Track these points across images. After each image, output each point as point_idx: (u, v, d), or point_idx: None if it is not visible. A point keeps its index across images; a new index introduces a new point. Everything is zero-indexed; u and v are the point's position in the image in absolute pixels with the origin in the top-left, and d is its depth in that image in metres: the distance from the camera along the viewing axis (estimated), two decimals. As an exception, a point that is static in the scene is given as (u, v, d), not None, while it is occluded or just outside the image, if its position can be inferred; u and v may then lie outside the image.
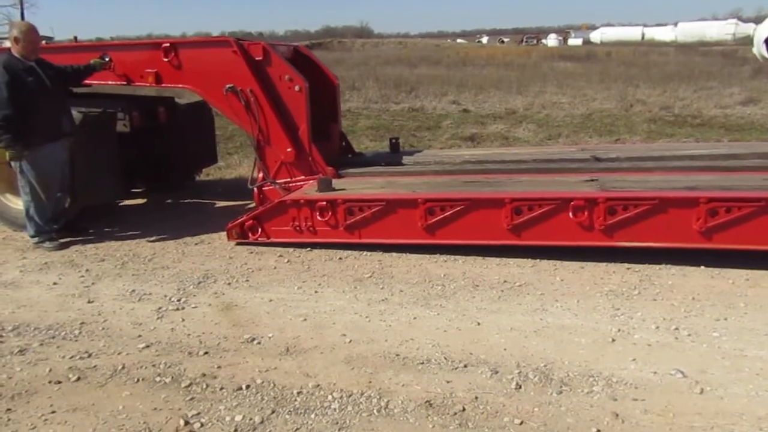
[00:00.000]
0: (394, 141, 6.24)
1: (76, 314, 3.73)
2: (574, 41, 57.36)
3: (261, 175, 5.29)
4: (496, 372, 2.93)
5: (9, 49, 4.85)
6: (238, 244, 4.92)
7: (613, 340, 3.20)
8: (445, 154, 6.15)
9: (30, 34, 4.83)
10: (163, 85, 5.41)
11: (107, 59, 5.34)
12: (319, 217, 4.67)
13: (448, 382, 2.86)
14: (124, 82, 5.48)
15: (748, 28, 42.21)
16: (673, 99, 13.51)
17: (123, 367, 3.07)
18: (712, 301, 3.61)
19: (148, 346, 3.30)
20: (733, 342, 3.13)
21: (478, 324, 3.44)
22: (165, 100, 6.50)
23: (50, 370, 3.06)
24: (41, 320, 3.66)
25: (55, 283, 4.26)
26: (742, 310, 3.49)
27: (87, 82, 5.56)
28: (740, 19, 51.82)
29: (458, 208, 4.39)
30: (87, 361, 3.16)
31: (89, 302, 3.91)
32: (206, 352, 3.22)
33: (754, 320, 3.35)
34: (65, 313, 3.75)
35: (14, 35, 4.78)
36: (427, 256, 4.50)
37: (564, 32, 71.29)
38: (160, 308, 3.78)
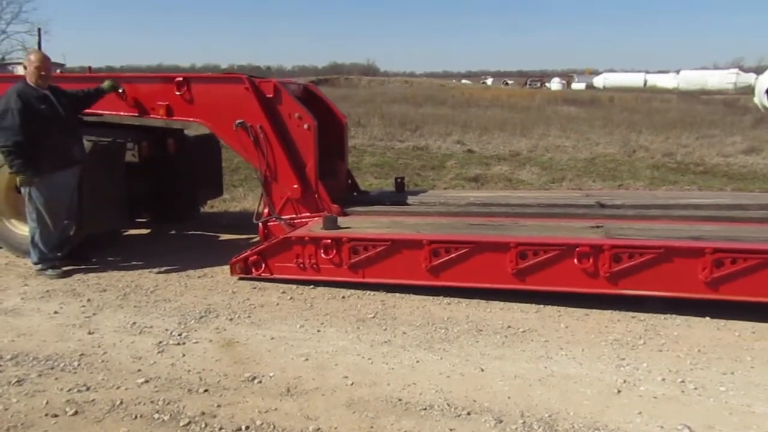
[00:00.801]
0: (399, 180, 6.28)
1: (75, 345, 3.70)
2: (578, 85, 58.24)
3: (266, 210, 5.31)
4: (500, 421, 2.88)
5: (24, 77, 4.93)
6: (240, 278, 4.90)
7: (619, 392, 3.16)
8: (450, 196, 6.18)
9: (43, 62, 4.92)
10: (174, 118, 5.48)
11: (120, 90, 5.42)
12: (323, 255, 4.66)
13: (451, 429, 2.82)
14: (136, 114, 5.55)
15: (749, 78, 42.85)
16: (675, 146, 13.64)
17: (121, 403, 3.03)
18: (718, 353, 3.57)
19: (147, 381, 3.26)
20: (740, 397, 3.08)
21: (482, 370, 3.40)
22: (174, 131, 6.56)
23: (47, 403, 3.02)
24: (40, 350, 3.62)
25: (56, 312, 4.23)
26: (749, 363, 3.45)
27: (99, 112, 5.64)
28: (741, 68, 52.61)
29: (463, 251, 4.39)
30: (85, 394, 3.12)
31: (90, 333, 3.88)
32: (206, 390, 3.18)
33: (761, 375, 3.31)
34: (65, 344, 3.72)
35: (29, 64, 4.87)
36: (431, 297, 4.48)
37: (567, 76, 72.29)
38: (160, 342, 3.74)
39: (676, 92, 44.27)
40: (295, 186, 5.16)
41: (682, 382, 3.24)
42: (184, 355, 3.58)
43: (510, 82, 71.95)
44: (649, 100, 32.00)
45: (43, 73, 4.88)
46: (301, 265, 4.73)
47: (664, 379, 3.27)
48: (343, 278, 4.66)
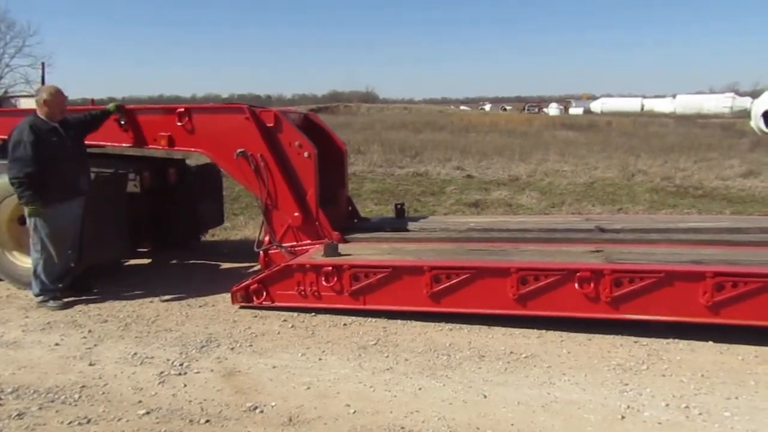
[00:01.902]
0: (399, 206, 6.31)
1: (76, 377, 3.68)
2: (575, 110, 58.70)
3: (267, 238, 5.34)
4: (504, 449, 2.86)
5: (35, 111, 5.01)
6: (242, 307, 4.90)
7: (623, 417, 3.14)
8: (450, 221, 6.20)
9: (57, 97, 5.01)
10: (175, 148, 5.54)
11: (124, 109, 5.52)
12: (324, 282, 4.66)
13: (454, 458, 2.79)
14: (138, 144, 5.62)
15: (744, 102, 43.25)
16: (674, 170, 13.70)
17: (122, 435, 3.01)
18: (721, 378, 3.56)
19: (148, 413, 3.24)
20: (745, 422, 3.06)
21: (485, 397, 3.38)
22: (176, 161, 6.62)
23: (48, 436, 3.00)
24: (41, 382, 3.61)
25: (57, 344, 4.22)
26: (753, 388, 3.43)
27: (102, 143, 5.70)
28: (737, 92, 53.17)
29: (464, 276, 4.39)
30: (86, 427, 3.10)
31: (91, 365, 3.86)
32: (207, 420, 3.16)
33: (765, 400, 3.29)
34: (66, 376, 3.70)
35: (43, 98, 4.95)
36: (432, 323, 4.47)
37: (565, 101, 73.00)
38: (162, 372, 3.73)
39: (673, 116, 44.64)
40: (296, 213, 5.19)
41: (687, 407, 3.22)
42: (185, 386, 3.56)
43: (508, 107, 72.54)
44: (647, 124, 32.25)
45: (54, 107, 4.97)
46: (303, 293, 4.73)
47: (668, 405, 3.25)
48: (344, 305, 4.66)
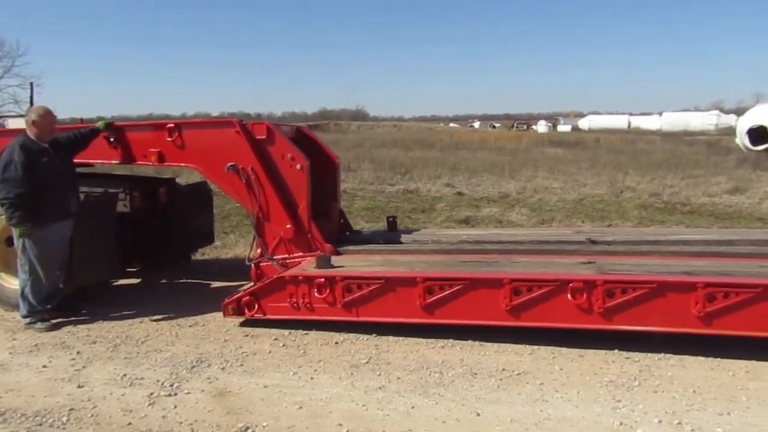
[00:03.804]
0: (391, 219, 6.32)
1: (64, 400, 3.63)
2: (563, 127, 59.34)
3: (259, 251, 5.32)
4: (498, 467, 2.84)
5: (25, 131, 4.99)
6: (233, 326, 4.86)
7: (616, 435, 3.13)
8: (442, 234, 6.21)
9: (47, 117, 5.00)
10: (165, 163, 5.53)
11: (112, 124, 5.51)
12: (317, 294, 4.64)
13: (448, 477, 2.77)
14: (128, 161, 5.60)
15: (729, 119, 43.94)
16: (661, 186, 13.84)
17: (111, 458, 2.96)
18: (713, 394, 3.57)
19: (138, 435, 3.20)
20: (737, 438, 3.07)
21: (478, 415, 3.37)
22: (166, 180, 6.61)
23: (35, 460, 2.95)
24: (29, 406, 3.55)
25: (44, 366, 4.16)
26: (744, 404, 3.44)
27: (93, 161, 5.68)
28: (722, 110, 54.04)
29: (457, 288, 4.38)
30: (74, 450, 3.05)
31: (79, 387, 3.81)
32: (198, 442, 3.12)
33: (757, 416, 3.30)
34: (54, 399, 3.65)
35: (32, 119, 4.94)
36: (424, 341, 4.46)
37: (553, 119, 73.79)
38: (151, 394, 3.68)
39: (660, 133, 45.22)
40: (288, 226, 5.18)
41: (679, 423, 3.23)
42: (175, 407, 3.52)
43: (497, 125, 73.19)
44: (634, 141, 32.64)
45: (44, 128, 4.95)
46: (295, 305, 4.70)
47: (660, 421, 3.26)
48: (336, 317, 4.63)
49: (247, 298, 4.82)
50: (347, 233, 6.13)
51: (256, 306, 4.81)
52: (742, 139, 24.88)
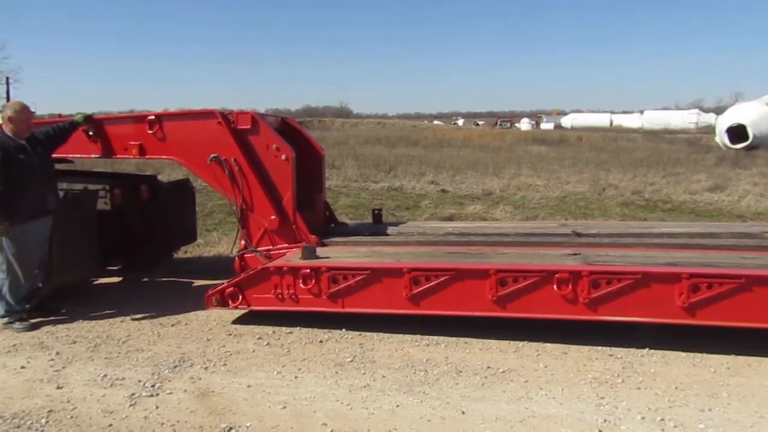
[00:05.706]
0: (376, 212, 6.29)
1: (43, 401, 3.56)
2: (546, 125, 59.73)
3: (243, 242, 5.26)
4: (483, 466, 2.84)
5: (1, 127, 4.88)
6: (216, 325, 4.81)
7: (600, 431, 3.15)
8: (428, 226, 6.21)
9: (23, 113, 4.89)
10: (146, 156, 5.44)
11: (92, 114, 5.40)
12: (302, 285, 4.60)
13: (433, 476, 2.77)
14: (108, 155, 5.50)
15: (709, 118, 44.54)
16: (643, 184, 13.96)
17: (91, 460, 2.91)
18: (695, 390, 3.60)
19: (119, 437, 3.15)
20: (719, 434, 3.10)
21: (463, 413, 3.37)
22: (148, 178, 6.52)
23: (13, 463, 2.89)
24: (6, 408, 3.48)
25: (23, 367, 4.08)
26: (726, 400, 3.48)
27: (69, 156, 5.57)
28: (702, 109, 54.80)
29: (443, 278, 4.37)
30: (53, 452, 2.99)
31: (58, 388, 3.74)
32: (180, 443, 3.08)
33: (738, 412, 3.34)
34: (32, 400, 3.58)
35: (8, 115, 4.83)
36: (409, 338, 4.45)
37: (536, 117, 74.19)
38: (133, 394, 3.63)
39: (641, 131, 45.68)
40: (273, 217, 5.12)
41: (662, 420, 3.25)
42: (157, 407, 3.47)
43: (481, 122, 73.45)
44: (616, 139, 32.90)
45: (20, 124, 4.84)
46: (280, 296, 4.66)
47: (643, 418, 3.28)
48: (322, 308, 4.60)
49: (231, 289, 4.76)
50: (332, 225, 6.09)
51: (240, 297, 4.75)
52: (721, 138, 25.21)
